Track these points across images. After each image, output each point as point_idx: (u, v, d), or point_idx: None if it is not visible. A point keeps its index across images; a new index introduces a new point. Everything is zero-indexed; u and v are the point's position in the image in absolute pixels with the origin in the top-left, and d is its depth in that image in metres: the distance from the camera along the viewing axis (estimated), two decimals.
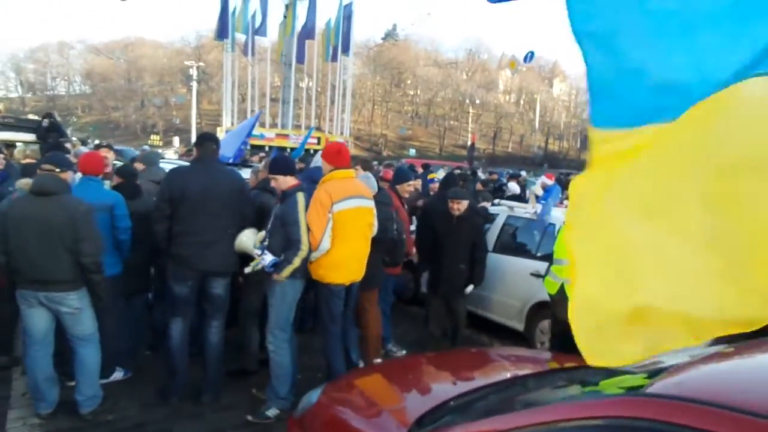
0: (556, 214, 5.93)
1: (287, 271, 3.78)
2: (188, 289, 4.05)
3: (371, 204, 4.26)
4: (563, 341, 3.71)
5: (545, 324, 5.50)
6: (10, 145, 9.08)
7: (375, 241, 4.35)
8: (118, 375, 4.44)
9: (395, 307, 6.03)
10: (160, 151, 23.71)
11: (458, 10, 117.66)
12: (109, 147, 6.46)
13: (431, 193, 7.66)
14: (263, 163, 5.27)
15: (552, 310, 4.89)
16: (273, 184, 4.09)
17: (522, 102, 78.89)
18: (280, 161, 4.16)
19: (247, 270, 3.96)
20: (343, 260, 4.05)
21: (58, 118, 9.47)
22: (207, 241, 3.97)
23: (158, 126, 67.24)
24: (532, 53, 24.16)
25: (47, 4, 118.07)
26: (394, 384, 2.86)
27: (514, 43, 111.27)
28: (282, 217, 3.86)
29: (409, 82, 77.44)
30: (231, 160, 8.01)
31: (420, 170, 12.16)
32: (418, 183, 7.66)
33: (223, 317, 4.27)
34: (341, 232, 3.97)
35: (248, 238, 4.02)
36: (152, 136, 56.20)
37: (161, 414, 3.99)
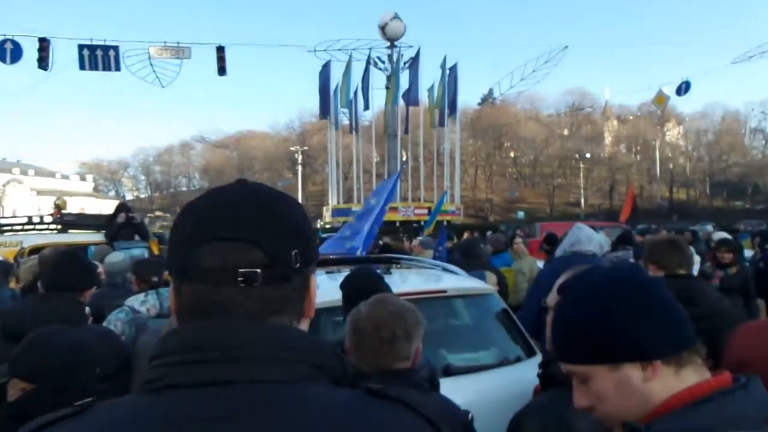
0: None
1: None
2: None
3: None
4: None
5: None
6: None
7: None
8: None
9: None
10: None
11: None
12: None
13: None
14: None
15: None
16: None
17: (634, 151, 73.62)
18: None
19: None
20: None
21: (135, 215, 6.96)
22: None
23: None
24: (688, 83, 19.64)
25: (173, 107, 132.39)
26: None
27: (619, 89, 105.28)
28: None
29: (508, 144, 75.43)
30: (361, 252, 5.66)
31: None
32: None
33: None
34: None
35: None
36: None
37: None
